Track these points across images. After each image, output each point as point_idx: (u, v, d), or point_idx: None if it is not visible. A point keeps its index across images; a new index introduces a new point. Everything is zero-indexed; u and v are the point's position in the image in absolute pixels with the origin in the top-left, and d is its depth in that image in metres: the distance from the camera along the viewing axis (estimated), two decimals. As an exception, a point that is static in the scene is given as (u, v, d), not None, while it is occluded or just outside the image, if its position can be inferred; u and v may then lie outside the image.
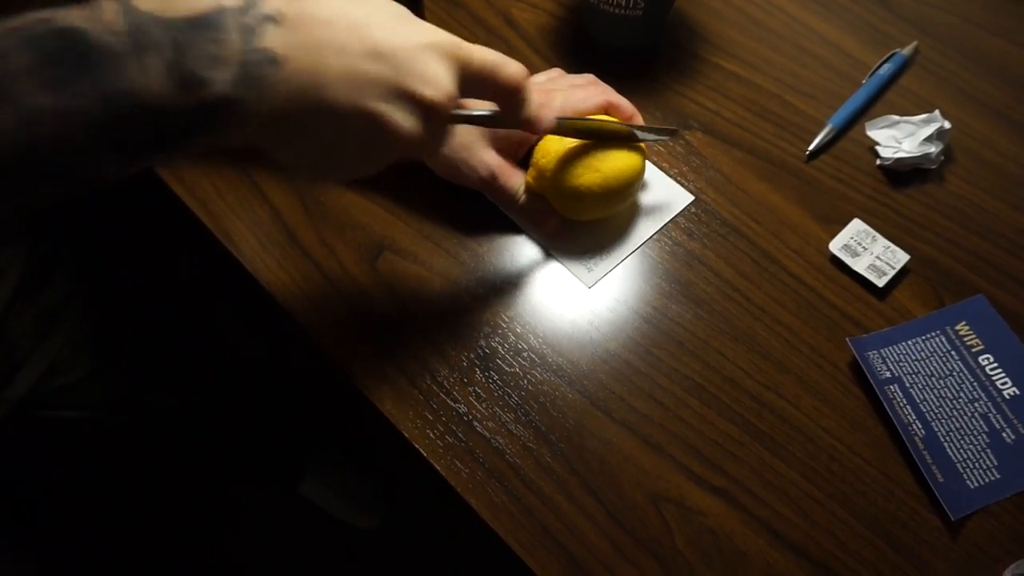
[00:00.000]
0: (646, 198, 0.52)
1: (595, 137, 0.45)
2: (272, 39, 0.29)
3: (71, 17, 0.26)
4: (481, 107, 0.39)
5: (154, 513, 1.13)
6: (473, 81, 0.35)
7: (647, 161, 0.51)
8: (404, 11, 0.33)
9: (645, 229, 0.51)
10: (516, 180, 0.47)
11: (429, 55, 0.32)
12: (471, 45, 0.34)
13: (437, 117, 0.33)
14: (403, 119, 0.32)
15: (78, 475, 1.08)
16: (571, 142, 0.45)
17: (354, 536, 1.11)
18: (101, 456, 0.97)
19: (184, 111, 0.28)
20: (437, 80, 0.32)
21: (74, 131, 0.26)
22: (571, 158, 0.45)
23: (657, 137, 0.48)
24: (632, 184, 0.47)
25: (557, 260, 0.49)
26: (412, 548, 1.10)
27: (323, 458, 1.11)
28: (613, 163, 0.45)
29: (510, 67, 0.36)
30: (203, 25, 0.27)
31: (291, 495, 1.09)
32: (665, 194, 0.52)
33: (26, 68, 0.25)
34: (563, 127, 0.43)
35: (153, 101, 0.27)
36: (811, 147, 0.53)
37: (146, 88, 0.27)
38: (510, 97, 0.37)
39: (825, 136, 0.54)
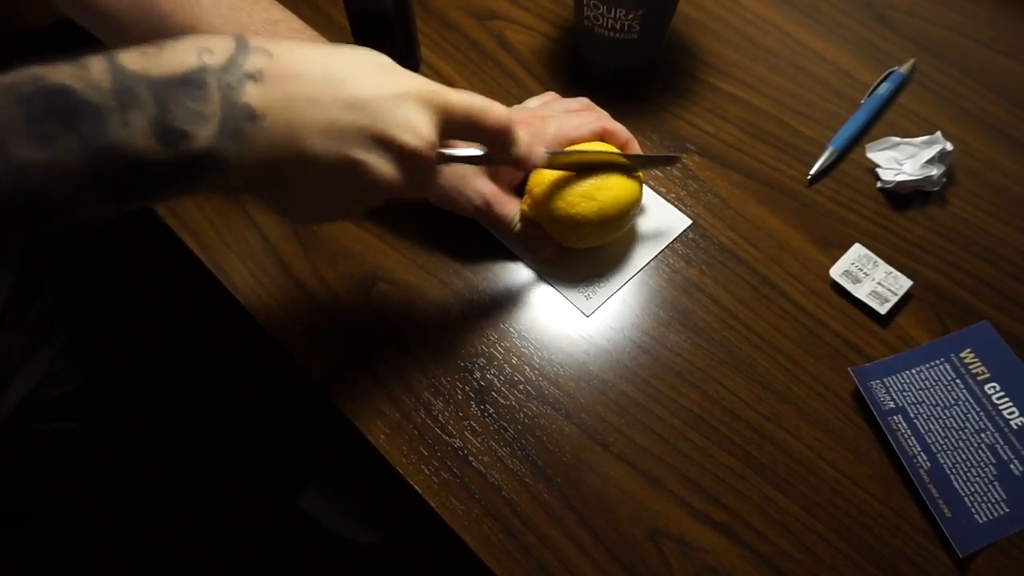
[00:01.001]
0: (644, 223, 0.51)
1: (589, 168, 0.45)
2: (252, 95, 0.30)
3: (61, 75, 0.27)
4: (471, 146, 0.39)
5: (150, 526, 1.12)
6: (457, 127, 0.35)
7: (644, 185, 0.50)
8: (385, 62, 0.34)
9: (643, 255, 0.50)
10: (511, 208, 0.47)
11: (407, 103, 0.33)
12: (453, 92, 0.35)
13: (417, 163, 0.34)
14: (382, 166, 0.33)
15: (71, 488, 1.07)
16: (565, 172, 0.45)
17: (354, 552, 1.10)
18: (94, 469, 0.96)
19: (167, 163, 0.29)
20: (416, 127, 0.33)
21: (60, 182, 0.27)
22: (566, 186, 0.44)
23: (655, 166, 0.48)
24: (629, 211, 0.46)
25: (554, 288, 0.49)
26: (412, 565, 1.09)
27: (324, 472, 1.10)
28: (610, 191, 0.44)
29: (493, 112, 0.36)
30: (186, 83, 0.29)
31: (291, 509, 1.08)
32: (663, 218, 0.51)
33: (15, 123, 0.26)
34: (554, 163, 0.43)
35: (137, 154, 0.28)
36: (813, 171, 0.53)
37: (130, 143, 0.28)
38: (497, 140, 0.38)
39: (827, 159, 0.53)
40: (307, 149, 0.31)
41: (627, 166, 0.46)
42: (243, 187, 0.32)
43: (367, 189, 0.33)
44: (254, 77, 0.30)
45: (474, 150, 0.39)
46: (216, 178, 0.30)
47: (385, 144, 0.32)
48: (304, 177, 0.32)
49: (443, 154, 0.38)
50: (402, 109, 0.33)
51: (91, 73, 0.28)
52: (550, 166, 0.43)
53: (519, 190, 0.48)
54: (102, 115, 0.27)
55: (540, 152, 0.41)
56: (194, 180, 0.30)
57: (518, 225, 0.47)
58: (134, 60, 0.29)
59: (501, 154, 0.39)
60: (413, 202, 0.48)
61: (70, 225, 0.30)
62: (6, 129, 0.26)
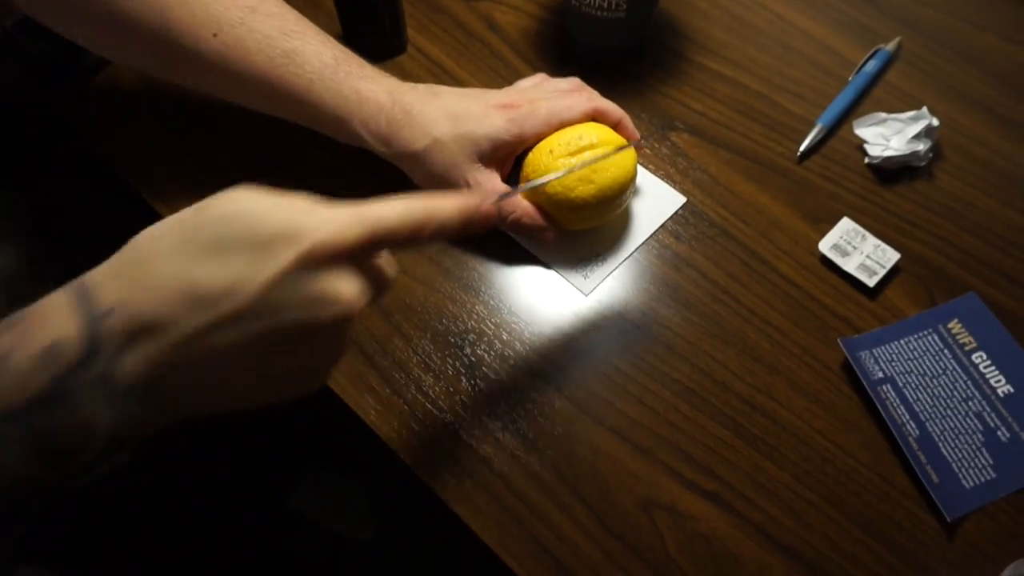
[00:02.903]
0: (639, 201, 0.51)
1: (583, 151, 0.44)
2: (128, 373, 0.25)
3: None
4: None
5: (134, 527, 1.11)
6: (376, 248, 0.29)
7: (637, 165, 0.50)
8: (255, 221, 0.26)
9: (640, 232, 0.50)
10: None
11: (304, 276, 0.26)
12: (347, 225, 0.27)
13: (351, 318, 0.28)
14: (316, 352, 0.29)
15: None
16: (560, 155, 0.44)
17: (346, 549, 1.10)
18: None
19: (65, 477, 0.26)
20: (325, 297, 0.27)
21: None
22: (561, 170, 0.44)
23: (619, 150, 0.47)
24: (626, 191, 0.46)
25: (552, 269, 0.48)
26: (403, 559, 1.09)
27: (314, 469, 1.10)
28: (607, 172, 0.44)
29: (404, 230, 0.29)
30: (50, 403, 0.25)
31: (281, 508, 1.07)
32: (657, 196, 0.51)
33: None
34: (512, 193, 0.39)
35: (26, 487, 0.25)
36: (802, 147, 0.53)
37: (14, 482, 0.25)
38: (432, 240, 0.31)
39: (816, 136, 0.53)
40: (222, 385, 0.27)
41: (622, 145, 0.46)
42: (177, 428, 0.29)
43: (321, 365, 0.30)
44: (120, 352, 0.25)
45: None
46: (149, 433, 0.27)
47: (305, 334, 0.27)
48: (242, 400, 0.29)
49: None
50: (302, 287, 0.26)
51: None
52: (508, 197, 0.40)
53: (514, 175, 0.48)
54: None
55: (493, 209, 0.33)
56: (124, 451, 0.27)
57: (513, 212, 0.46)
58: None
59: (465, 234, 0.33)
60: (410, 186, 0.46)
61: None
62: None
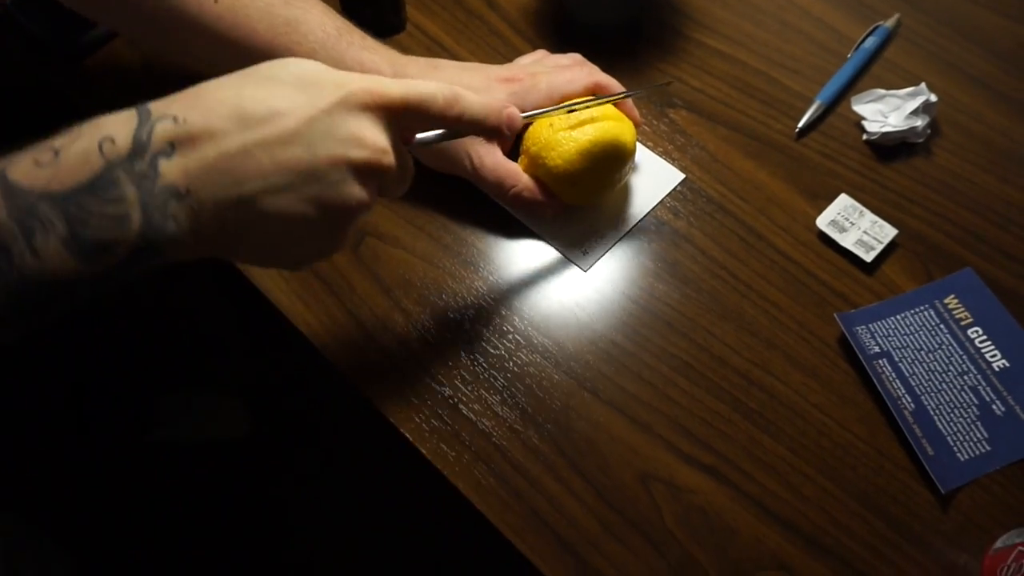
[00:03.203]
0: (637, 178, 0.51)
1: (583, 124, 0.44)
2: (170, 173, 0.27)
3: None
4: None
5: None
6: (408, 119, 0.33)
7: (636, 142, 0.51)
8: (303, 71, 0.30)
9: (639, 209, 0.50)
10: (506, 169, 0.46)
11: (342, 116, 0.30)
12: (388, 85, 0.32)
13: (378, 171, 0.31)
14: (341, 191, 0.30)
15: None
16: (560, 128, 0.45)
17: (348, 535, 1.11)
18: None
19: (93, 276, 0.27)
20: (361, 138, 0.30)
21: None
22: (563, 144, 0.44)
23: (631, 93, 0.47)
24: (625, 164, 0.46)
25: (551, 245, 0.49)
26: (398, 535, 1.10)
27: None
28: (605, 146, 0.45)
29: (437, 101, 0.33)
30: (94, 189, 0.26)
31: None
32: (656, 173, 0.51)
33: None
34: (530, 118, 0.41)
35: (54, 278, 0.26)
36: (800, 124, 0.53)
37: (43, 270, 0.26)
38: (453, 122, 0.35)
39: (814, 113, 0.53)
40: (255, 204, 0.29)
41: (621, 119, 0.46)
42: (208, 254, 0.30)
43: (338, 217, 0.31)
44: (166, 153, 0.27)
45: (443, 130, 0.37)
46: (162, 260, 0.28)
47: (335, 167, 0.30)
48: (261, 232, 0.30)
49: (418, 140, 0.36)
50: (340, 125, 0.30)
51: None
52: (528, 121, 0.42)
53: (514, 150, 0.48)
54: (4, 249, 0.25)
55: (516, 115, 0.38)
56: (137, 271, 0.28)
57: (514, 187, 0.46)
58: (30, 176, 0.26)
59: (478, 132, 0.37)
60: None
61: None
62: None
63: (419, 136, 0.37)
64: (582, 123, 0.44)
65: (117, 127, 0.27)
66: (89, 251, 0.26)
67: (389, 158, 0.32)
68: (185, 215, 0.28)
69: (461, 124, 0.35)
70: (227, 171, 0.28)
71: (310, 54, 0.43)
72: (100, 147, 0.27)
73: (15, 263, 0.25)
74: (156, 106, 0.28)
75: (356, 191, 0.31)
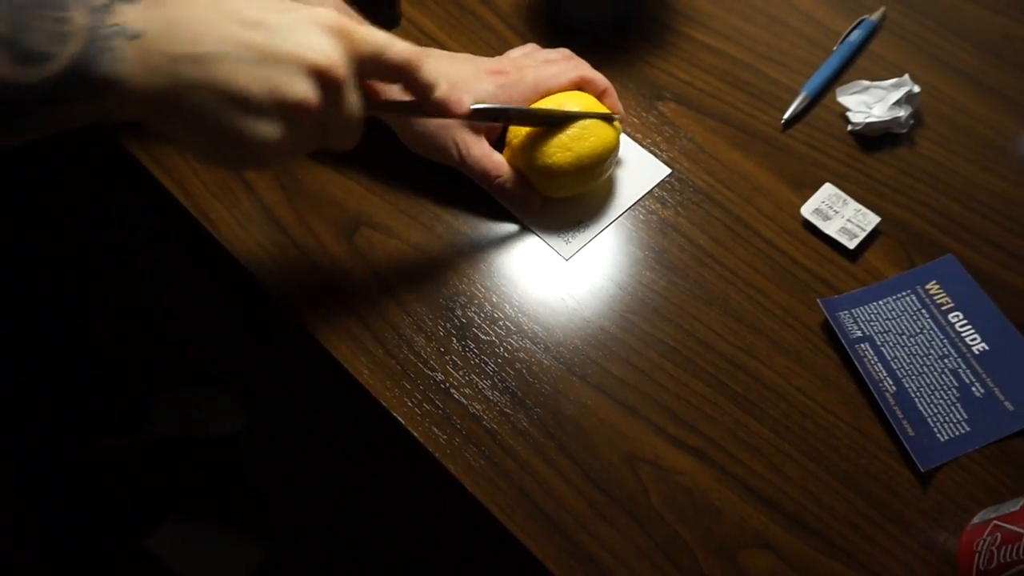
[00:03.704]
0: (623, 171, 0.52)
1: (546, 123, 0.45)
2: (127, 15, 0.29)
3: None
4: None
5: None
6: (364, 61, 0.34)
7: (623, 134, 0.52)
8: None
9: (623, 201, 0.51)
10: (491, 160, 0.47)
11: (310, 27, 0.32)
12: (357, 26, 0.34)
13: (333, 86, 0.33)
14: (292, 84, 0.31)
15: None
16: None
17: (348, 523, 1.12)
18: None
19: (25, 86, 0.28)
20: (321, 47, 0.32)
21: None
22: (544, 137, 0.45)
23: (594, 119, 0.48)
24: (606, 161, 0.47)
25: (535, 233, 0.50)
26: (391, 522, 1.11)
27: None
28: (586, 141, 0.46)
29: (397, 46, 0.35)
30: (44, 4, 0.28)
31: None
32: (642, 167, 0.52)
33: None
34: (478, 112, 0.43)
35: None
36: (786, 115, 0.54)
37: None
38: (408, 80, 0.37)
39: (800, 104, 0.54)
40: (208, 68, 0.30)
41: (607, 116, 0.47)
42: (148, 113, 0.31)
43: (282, 111, 0.32)
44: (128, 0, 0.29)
45: (402, 99, 0.39)
46: (99, 101, 0.29)
47: (292, 60, 0.31)
48: (206, 103, 0.30)
49: (371, 104, 0.38)
50: (305, 31, 0.32)
51: None
52: (474, 117, 0.43)
53: (499, 141, 0.49)
54: None
55: (464, 100, 0.39)
56: (68, 102, 0.29)
57: (499, 178, 0.47)
58: None
59: (421, 98, 0.38)
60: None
61: None
62: None
63: (378, 102, 0.39)
64: (532, 121, 0.45)
65: None
66: (23, 58, 0.27)
67: (344, 73, 0.33)
68: (134, 57, 0.29)
69: (412, 84, 0.37)
70: (188, 29, 0.30)
71: None
72: None
73: None
74: None
75: (306, 88, 0.32)
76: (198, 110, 0.31)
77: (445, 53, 0.49)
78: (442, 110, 0.39)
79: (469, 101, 0.40)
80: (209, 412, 1.16)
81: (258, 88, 0.31)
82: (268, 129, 0.32)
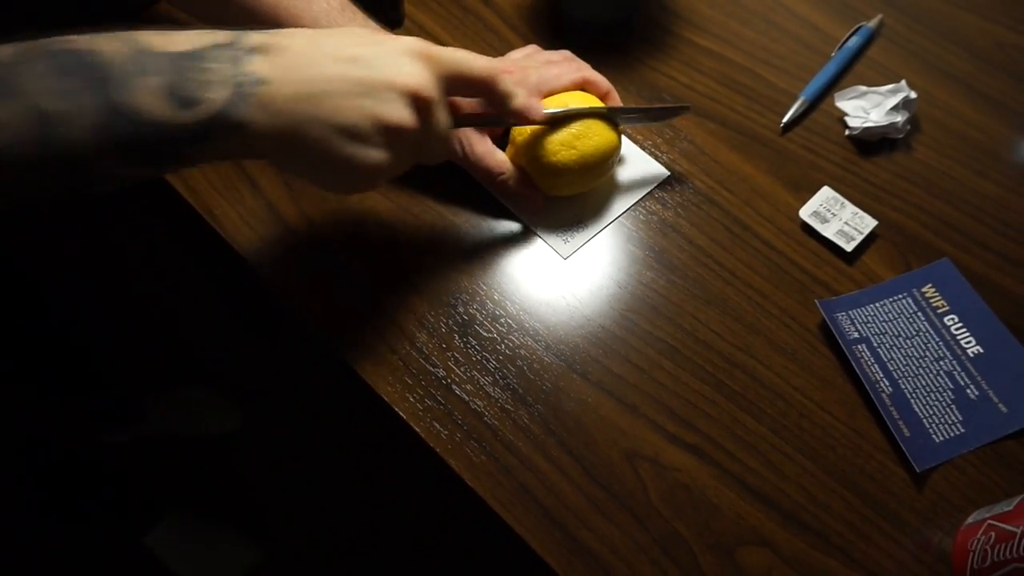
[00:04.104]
0: (623, 172, 0.53)
1: (572, 118, 0.46)
2: (258, 65, 0.34)
3: (84, 40, 0.31)
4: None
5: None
6: (449, 79, 0.38)
7: (623, 136, 0.52)
8: (366, 31, 0.38)
9: (622, 202, 0.52)
10: (494, 158, 0.48)
11: (400, 55, 0.36)
12: (437, 47, 0.38)
13: (426, 107, 0.37)
14: (391, 109, 0.35)
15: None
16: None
17: (347, 518, 1.12)
18: None
19: (181, 126, 0.32)
20: (415, 73, 0.36)
21: (81, 135, 0.30)
22: (548, 136, 0.46)
23: (654, 120, 0.50)
24: (608, 160, 0.48)
25: (534, 232, 0.50)
26: (391, 519, 1.11)
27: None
28: (589, 140, 0.46)
29: (477, 62, 0.39)
30: (197, 56, 0.33)
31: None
32: (641, 168, 0.53)
33: (42, 76, 0.30)
34: (553, 118, 0.46)
35: (153, 116, 0.31)
36: (785, 119, 0.55)
37: (147, 104, 0.31)
38: (488, 92, 0.41)
39: (798, 109, 0.55)
40: (319, 103, 0.34)
41: (609, 117, 0.48)
42: (270, 150, 0.35)
43: (385, 135, 0.36)
44: (257, 50, 0.34)
45: (481, 112, 0.42)
46: (237, 141, 0.33)
47: (388, 87, 0.35)
48: (322, 131, 0.34)
49: (457, 118, 0.41)
50: (396, 60, 0.36)
51: (113, 42, 0.31)
52: (547, 122, 0.45)
53: (503, 139, 0.50)
54: (122, 77, 0.31)
55: (539, 107, 0.44)
56: (213, 142, 0.33)
57: (501, 175, 0.48)
58: (150, 36, 0.32)
59: (500, 109, 0.42)
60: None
61: (76, 190, 0.33)
62: (34, 81, 0.29)
63: (462, 115, 0.42)
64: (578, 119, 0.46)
65: (222, 31, 0.34)
66: (182, 101, 0.32)
67: (435, 93, 0.37)
68: (261, 99, 0.33)
69: (492, 96, 0.41)
70: (301, 72, 0.34)
71: (313, 22, 0.45)
72: (206, 34, 0.34)
73: (127, 92, 0.31)
74: (248, 28, 0.35)
75: (404, 112, 0.36)
76: (315, 143, 0.35)
77: None
78: (520, 118, 0.43)
79: (542, 107, 0.44)
80: (205, 411, 1.16)
81: (362, 117, 0.35)
82: (374, 153, 0.36)
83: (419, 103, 0.36)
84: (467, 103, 0.45)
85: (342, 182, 0.38)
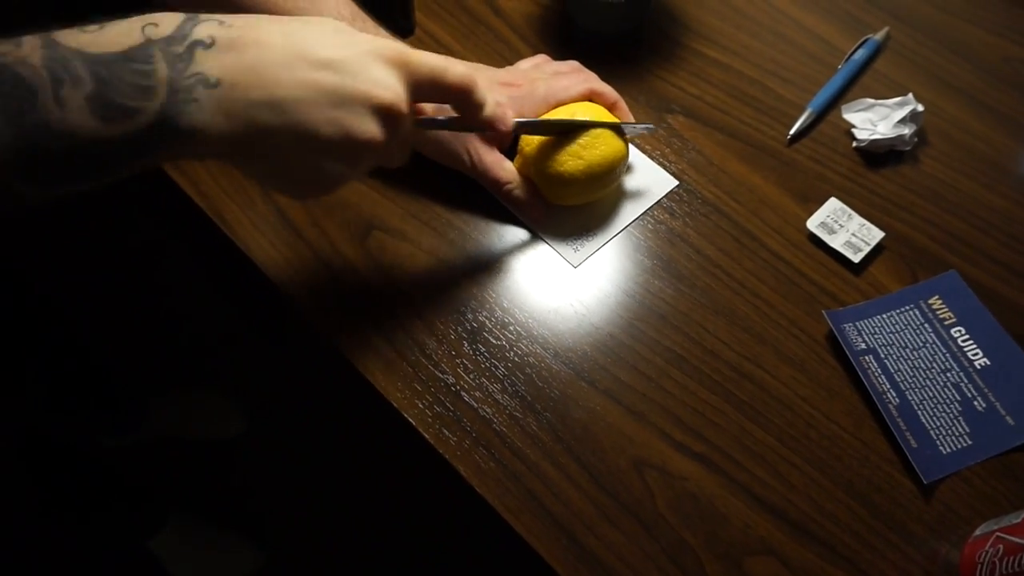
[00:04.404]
0: (631, 182, 0.53)
1: (563, 132, 0.46)
2: (206, 63, 0.29)
3: (3, 49, 0.27)
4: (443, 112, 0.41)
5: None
6: (422, 86, 0.36)
7: (632, 146, 0.53)
8: (342, 26, 0.34)
9: (630, 212, 0.52)
10: (501, 167, 0.48)
11: (375, 62, 0.33)
12: (414, 51, 0.36)
13: (395, 120, 0.34)
14: (361, 124, 0.33)
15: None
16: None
17: (353, 520, 1.12)
18: None
19: (110, 140, 0.28)
20: (387, 83, 0.33)
21: None
22: (555, 146, 0.46)
23: (631, 132, 0.50)
24: (615, 170, 0.48)
25: (544, 240, 0.50)
26: (396, 526, 1.11)
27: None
28: (596, 150, 0.47)
29: (455, 69, 0.37)
30: (127, 58, 0.28)
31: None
32: (650, 178, 0.53)
33: None
34: (523, 130, 0.45)
35: (73, 132, 0.27)
36: (792, 131, 0.55)
37: (64, 120, 0.27)
38: (463, 100, 0.38)
39: (805, 120, 0.55)
40: (284, 111, 0.31)
41: (616, 127, 0.48)
42: (226, 155, 0.32)
43: (345, 152, 0.33)
44: (204, 44, 0.29)
45: (446, 116, 0.40)
46: (183, 148, 0.30)
47: (361, 102, 0.32)
48: (280, 145, 0.32)
49: (419, 120, 0.39)
50: (371, 67, 0.33)
51: (23, 50, 0.27)
52: (520, 131, 0.45)
53: (511, 149, 0.50)
54: (31, 91, 0.26)
55: (509, 116, 0.41)
56: (156, 153, 0.30)
57: (508, 184, 0.48)
58: (72, 37, 0.28)
59: (470, 116, 0.39)
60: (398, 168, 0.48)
61: (6, 208, 0.29)
62: None
63: (426, 118, 0.40)
64: (561, 131, 0.46)
65: (164, 18, 0.30)
66: (110, 113, 0.28)
67: (403, 108, 0.34)
68: (213, 105, 0.29)
69: (465, 104, 0.38)
70: (265, 75, 0.30)
71: None
72: (143, 28, 0.29)
73: (38, 108, 0.27)
74: (206, 13, 0.31)
75: (373, 127, 0.33)
76: (276, 152, 0.32)
77: (460, 62, 0.50)
78: (489, 127, 0.41)
79: (512, 117, 0.42)
80: (208, 414, 1.16)
81: (332, 131, 0.32)
82: (339, 166, 0.34)
83: (389, 117, 0.34)
84: (430, 107, 0.42)
85: (301, 190, 0.37)
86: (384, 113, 0.33)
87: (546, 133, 0.47)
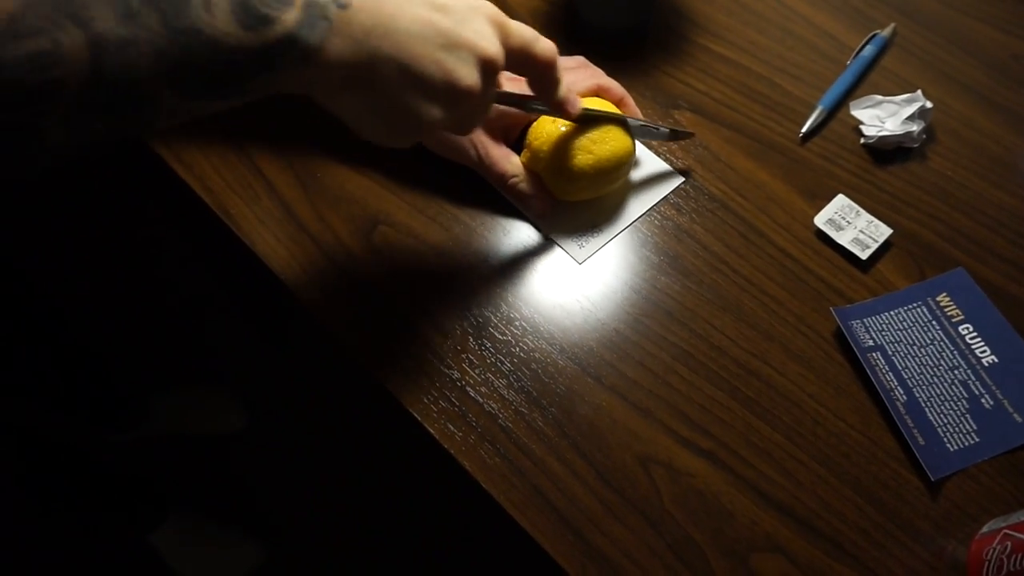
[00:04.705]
0: (639, 177, 0.53)
1: (587, 124, 0.47)
2: None
3: None
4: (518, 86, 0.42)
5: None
6: (513, 53, 0.37)
7: (637, 141, 0.52)
8: None
9: (637, 208, 0.52)
10: (507, 162, 0.48)
11: (481, 16, 0.35)
12: (511, 19, 0.37)
13: (492, 75, 0.35)
14: (464, 70, 0.34)
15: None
16: (564, 124, 0.47)
17: (357, 523, 1.12)
18: None
19: (248, 49, 0.29)
20: (490, 37, 0.35)
21: (139, 61, 0.28)
22: (564, 140, 0.46)
23: (666, 138, 0.51)
24: (624, 165, 0.48)
25: (550, 236, 0.50)
26: (400, 523, 1.11)
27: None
28: (605, 145, 0.46)
29: (543, 42, 0.38)
30: None
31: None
32: (657, 174, 0.53)
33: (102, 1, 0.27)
34: (586, 115, 0.46)
35: (218, 38, 0.29)
36: (804, 129, 0.55)
37: (211, 25, 0.28)
38: (542, 75, 0.39)
39: (817, 118, 0.55)
40: (397, 41, 0.32)
41: (624, 122, 0.48)
42: (332, 83, 0.33)
43: (450, 94, 0.34)
44: None
45: (519, 91, 0.41)
46: (304, 69, 0.31)
47: (468, 48, 0.34)
48: (385, 75, 0.32)
49: (497, 93, 0.40)
50: (477, 20, 0.34)
51: None
52: (582, 119, 0.46)
53: (518, 144, 0.50)
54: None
55: (579, 101, 0.42)
56: (280, 69, 0.31)
57: (512, 179, 0.48)
58: None
59: (544, 94, 0.41)
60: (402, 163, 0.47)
61: (132, 127, 0.30)
62: (90, 3, 0.27)
63: (501, 91, 0.40)
64: (584, 122, 0.46)
65: None
66: (250, 20, 0.29)
67: (501, 64, 0.35)
68: (340, 25, 0.31)
69: (545, 80, 0.40)
70: (389, 4, 0.32)
71: None
72: None
73: (191, 12, 0.28)
74: None
75: (474, 76, 0.34)
76: (383, 85, 0.33)
77: None
78: (558, 108, 0.42)
79: (580, 103, 0.43)
80: (210, 410, 1.16)
81: (436, 70, 0.33)
82: (434, 110, 0.34)
83: (489, 71, 0.35)
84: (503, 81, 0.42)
85: (392, 132, 0.36)
86: (485, 65, 0.35)
87: (586, 123, 0.47)
